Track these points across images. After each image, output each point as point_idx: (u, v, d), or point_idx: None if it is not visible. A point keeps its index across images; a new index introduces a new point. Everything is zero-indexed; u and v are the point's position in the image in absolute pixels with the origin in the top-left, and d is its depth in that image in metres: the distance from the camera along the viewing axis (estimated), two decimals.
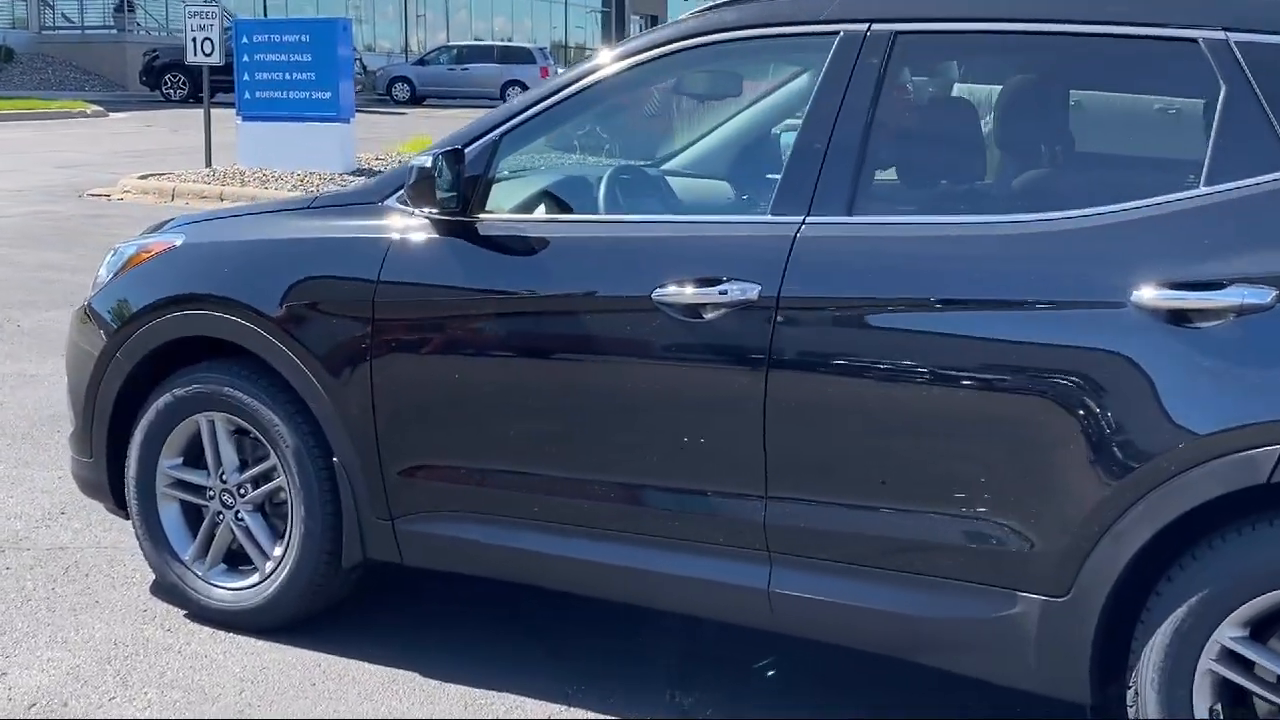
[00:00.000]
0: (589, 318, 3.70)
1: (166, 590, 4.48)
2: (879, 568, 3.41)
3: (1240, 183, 3.08)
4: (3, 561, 4.87)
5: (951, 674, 3.46)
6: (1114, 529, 3.08)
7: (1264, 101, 3.09)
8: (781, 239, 3.46)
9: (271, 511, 4.33)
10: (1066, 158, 3.79)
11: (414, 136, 21.04)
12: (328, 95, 16.54)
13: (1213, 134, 3.15)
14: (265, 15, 39.80)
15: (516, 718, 3.84)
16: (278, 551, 4.25)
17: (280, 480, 4.19)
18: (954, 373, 3.25)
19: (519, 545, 3.86)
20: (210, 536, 4.38)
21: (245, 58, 16.86)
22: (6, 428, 6.51)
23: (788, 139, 5.31)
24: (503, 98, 40.09)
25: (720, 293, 3.47)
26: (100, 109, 30.41)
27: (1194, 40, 3.19)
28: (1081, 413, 3.10)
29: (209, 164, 17.14)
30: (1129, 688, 3.18)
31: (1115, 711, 3.26)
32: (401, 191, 3.99)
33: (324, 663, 4.14)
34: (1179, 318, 3.02)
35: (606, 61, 3.94)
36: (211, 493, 4.35)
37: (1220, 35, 3.16)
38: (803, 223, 3.46)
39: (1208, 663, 3.05)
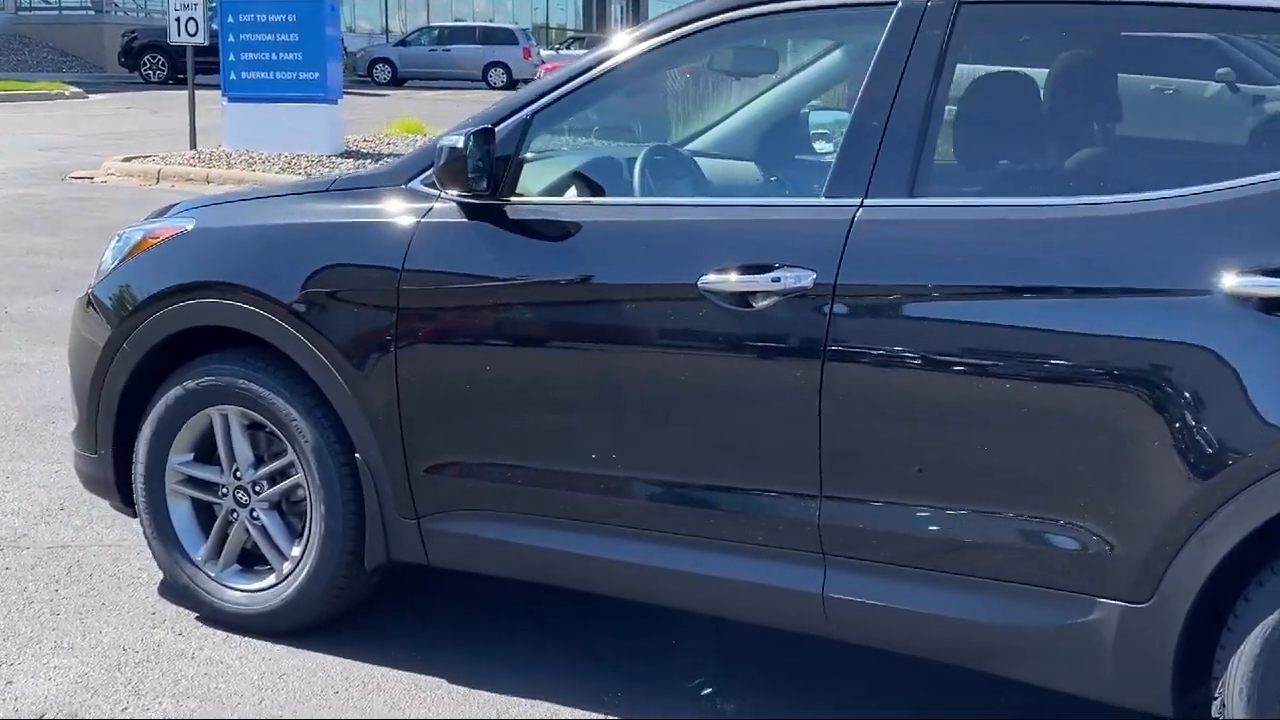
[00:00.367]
0: (629, 307, 3.50)
1: (177, 592, 4.28)
2: (943, 571, 3.22)
3: None
4: (2, 561, 4.66)
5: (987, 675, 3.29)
6: (1201, 531, 2.90)
7: None
8: (838, 223, 3.27)
9: (288, 510, 4.12)
10: (1148, 136, 3.60)
11: (400, 118, 20.75)
12: (315, 76, 16.26)
13: None
14: None
15: None
16: (296, 552, 4.04)
17: (298, 477, 3.99)
18: (1027, 365, 3.07)
19: (554, 546, 3.67)
20: (223, 536, 4.18)
21: (231, 37, 16.56)
22: None
23: (817, 119, 5.14)
24: (485, 79, 39.90)
25: (772, 280, 3.28)
26: (79, 91, 30.02)
27: None
28: (1166, 408, 2.92)
29: (194, 146, 16.85)
30: (1215, 698, 3.00)
31: None
32: (426, 174, 3.79)
33: (345, 668, 3.94)
34: (1272, 306, 2.84)
35: (644, 36, 3.73)
36: (225, 490, 4.14)
37: None
38: (860, 205, 3.27)
39: None
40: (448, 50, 40.69)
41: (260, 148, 16.34)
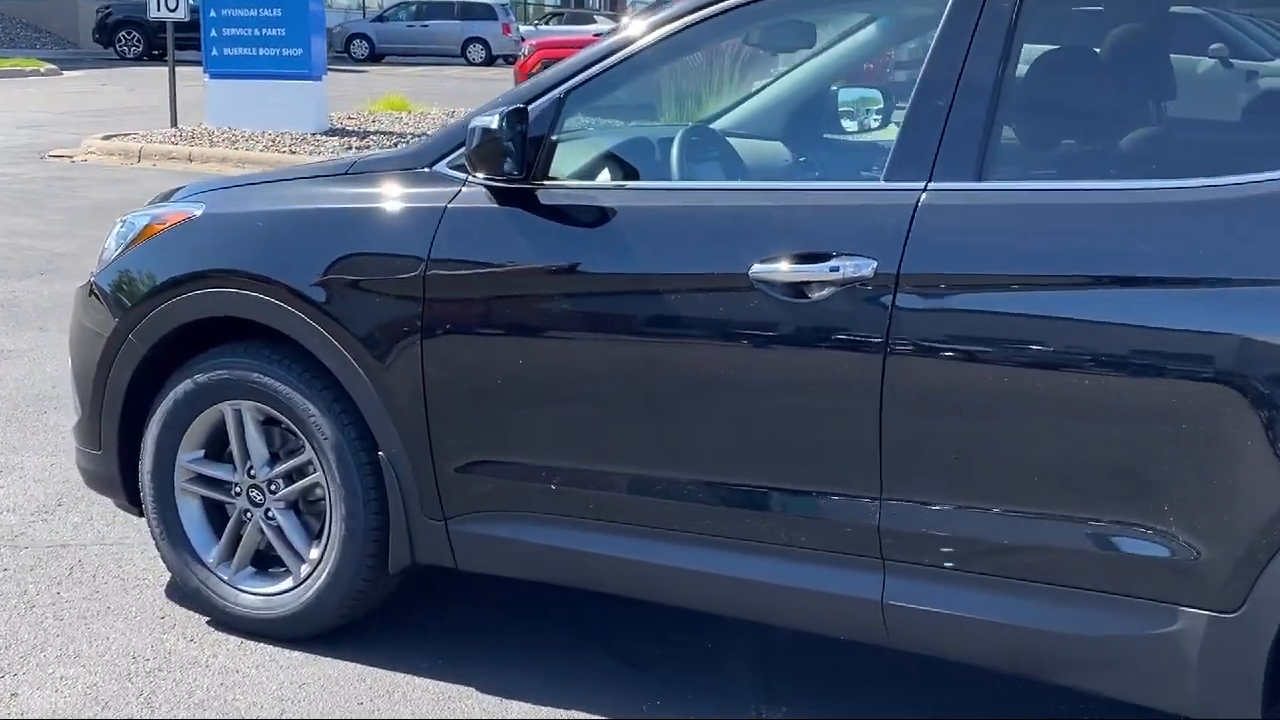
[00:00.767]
0: (674, 298, 3.30)
1: (186, 595, 4.07)
2: (1013, 578, 3.04)
3: None
4: (0, 563, 4.45)
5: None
6: None
7: None
8: (900, 208, 3.07)
9: (306, 509, 3.92)
10: (1248, 111, 3.40)
11: (385, 95, 20.43)
12: (299, 52, 15.93)
13: None
14: None
15: None
16: (314, 554, 3.84)
17: (316, 476, 3.79)
18: (1106, 361, 2.88)
19: (593, 549, 3.48)
20: (236, 536, 3.97)
21: (212, 13, 16.20)
22: None
23: (847, 96, 4.93)
24: (464, 55, 39.53)
25: (830, 269, 3.08)
26: (54, 67, 29.55)
27: None
28: (1262, 407, 2.73)
29: (174, 124, 16.53)
30: None
31: None
32: (452, 156, 3.59)
33: (368, 677, 3.75)
34: None
35: (682, 12, 3.51)
36: (238, 489, 3.94)
37: None
38: (924, 190, 3.07)
39: None
40: (425, 26, 40.28)
41: (243, 125, 16.03)
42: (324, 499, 3.79)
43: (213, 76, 16.38)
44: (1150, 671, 2.95)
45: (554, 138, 3.51)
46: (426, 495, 3.62)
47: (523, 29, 40.03)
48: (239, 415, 3.87)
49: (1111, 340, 2.87)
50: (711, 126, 4.48)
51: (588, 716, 3.56)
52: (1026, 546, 3.01)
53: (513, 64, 25.67)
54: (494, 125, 3.34)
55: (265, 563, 3.99)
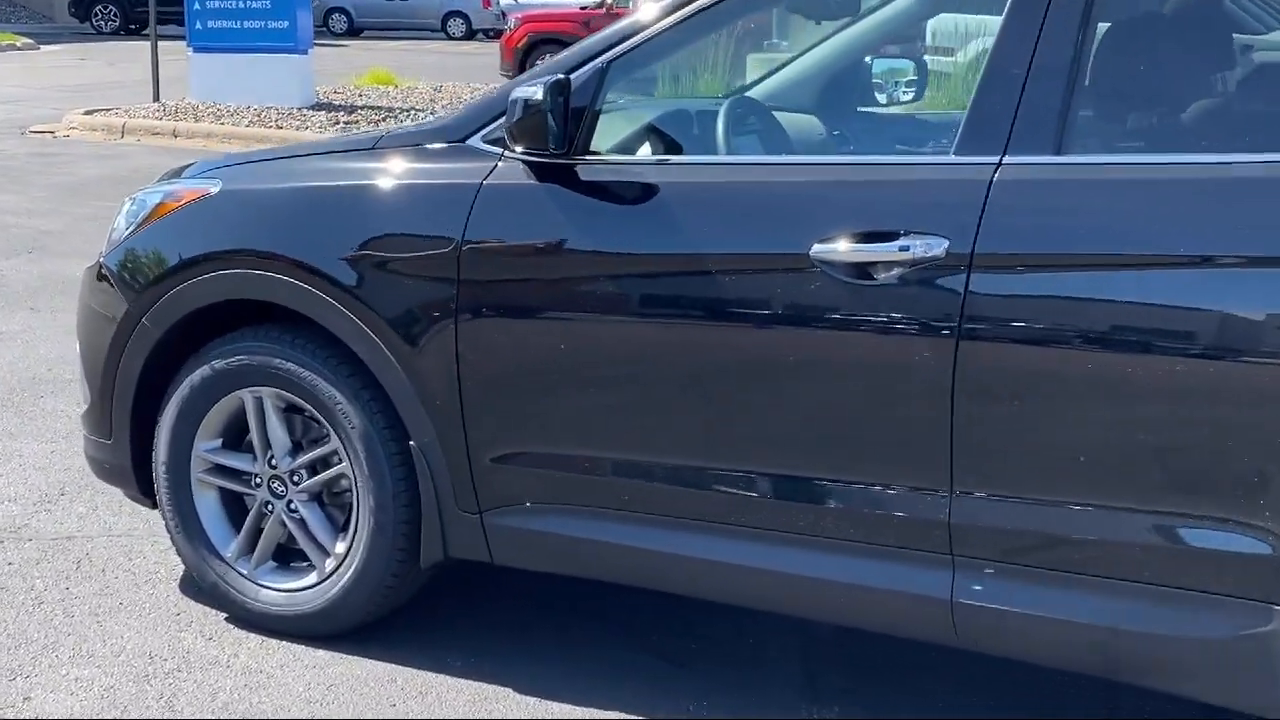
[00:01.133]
0: (729, 279, 3.12)
1: (205, 591, 3.88)
2: (1091, 575, 2.88)
3: None
4: (3, 555, 4.25)
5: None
6: None
7: None
8: (974, 184, 2.90)
9: (330, 501, 3.73)
10: None
11: (370, 70, 20.16)
12: (284, 25, 15.64)
13: None
14: None
15: None
16: (340, 548, 3.66)
17: (342, 466, 3.60)
18: (1196, 346, 2.71)
19: (639, 544, 3.30)
20: (257, 530, 3.79)
21: None
22: None
23: (880, 66, 4.76)
24: (444, 29, 39.17)
25: (900, 249, 2.91)
26: (30, 42, 29.12)
27: None
28: None
29: (157, 98, 16.24)
30: None
31: None
32: (489, 129, 3.40)
33: (399, 677, 3.57)
34: None
35: None
36: (258, 480, 3.75)
37: None
38: (999, 164, 2.90)
39: None
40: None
41: (228, 99, 15.73)
42: (350, 491, 3.61)
43: (196, 50, 16.09)
44: (1241, 673, 2.79)
45: (596, 109, 3.32)
46: (461, 487, 3.44)
47: (503, 2, 39.69)
48: (259, 403, 3.69)
49: (1200, 325, 2.70)
50: (749, 93, 4.30)
51: (632, 717, 3.39)
52: (1112, 543, 2.84)
53: (493, 38, 25.38)
54: (539, 97, 3.15)
55: (287, 557, 3.81)
